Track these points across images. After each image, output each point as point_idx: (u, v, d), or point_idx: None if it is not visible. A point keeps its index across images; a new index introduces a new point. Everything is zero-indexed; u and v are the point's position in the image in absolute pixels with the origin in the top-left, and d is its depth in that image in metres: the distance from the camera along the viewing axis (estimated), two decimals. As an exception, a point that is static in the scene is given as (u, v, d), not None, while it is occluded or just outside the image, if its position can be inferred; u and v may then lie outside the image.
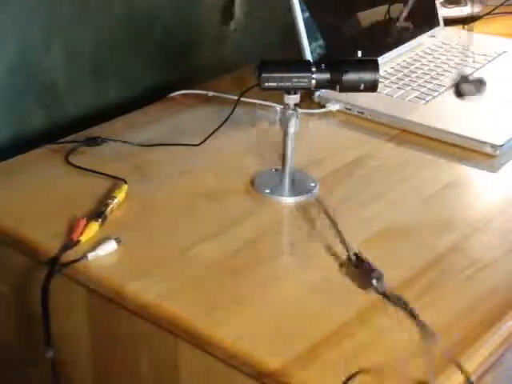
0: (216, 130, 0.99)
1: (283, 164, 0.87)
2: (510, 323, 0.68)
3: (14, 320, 0.88)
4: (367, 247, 0.77)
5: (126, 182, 0.86)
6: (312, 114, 1.08)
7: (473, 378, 0.63)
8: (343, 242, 0.77)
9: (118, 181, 0.87)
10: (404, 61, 1.23)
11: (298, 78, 0.82)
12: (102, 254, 0.75)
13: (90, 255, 0.75)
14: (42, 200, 0.86)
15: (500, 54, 1.29)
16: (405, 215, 0.84)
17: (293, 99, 0.84)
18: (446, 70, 1.21)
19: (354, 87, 0.84)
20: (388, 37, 1.26)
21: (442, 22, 1.38)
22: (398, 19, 1.27)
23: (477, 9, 1.53)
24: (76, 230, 0.77)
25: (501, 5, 1.53)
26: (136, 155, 0.96)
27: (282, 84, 0.82)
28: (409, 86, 1.15)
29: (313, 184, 0.89)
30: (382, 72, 1.14)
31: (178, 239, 0.79)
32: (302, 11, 1.08)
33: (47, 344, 0.74)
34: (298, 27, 1.08)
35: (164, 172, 0.93)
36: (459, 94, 0.24)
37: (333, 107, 1.09)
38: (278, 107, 0.85)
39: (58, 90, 1.08)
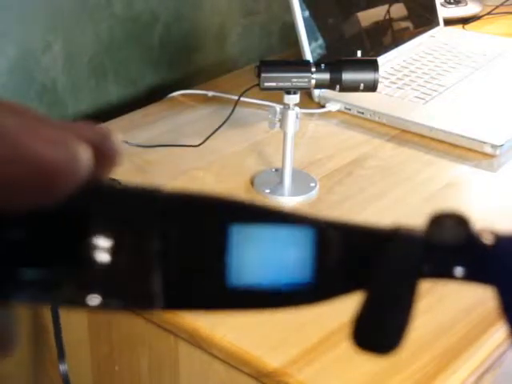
0: (216, 130, 0.99)
1: (283, 164, 0.87)
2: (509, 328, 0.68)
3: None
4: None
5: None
6: (312, 114, 1.08)
7: (473, 377, 0.63)
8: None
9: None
10: (404, 61, 1.23)
11: (297, 78, 0.82)
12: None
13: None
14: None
15: (500, 54, 1.29)
16: (405, 215, 0.84)
17: (293, 99, 0.84)
18: (446, 70, 1.21)
19: (353, 87, 0.84)
20: (388, 37, 1.26)
21: (442, 22, 1.38)
22: (397, 19, 1.27)
23: (477, 9, 1.53)
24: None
25: (501, 5, 1.53)
26: (136, 155, 0.96)
27: (281, 84, 0.82)
28: (409, 85, 1.15)
29: (313, 184, 0.89)
30: (382, 72, 1.14)
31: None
32: (302, 11, 1.08)
33: (61, 358, 0.74)
34: (298, 27, 1.08)
35: (164, 172, 0.93)
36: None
37: (333, 107, 1.09)
38: (278, 107, 0.85)
39: (58, 89, 1.08)
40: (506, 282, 0.25)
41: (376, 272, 0.25)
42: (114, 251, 0.25)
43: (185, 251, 0.26)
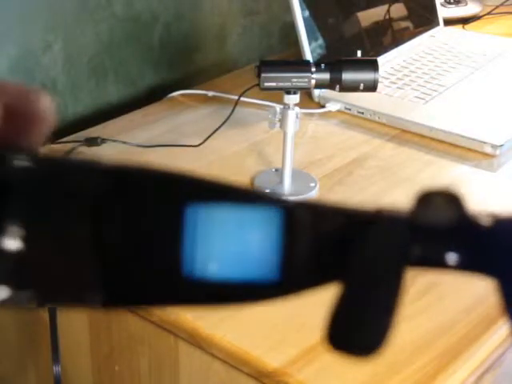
0: (216, 130, 0.99)
1: (283, 164, 0.87)
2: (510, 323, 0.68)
3: (14, 317, 0.88)
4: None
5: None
6: (312, 114, 1.08)
7: (473, 377, 0.63)
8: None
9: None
10: (404, 61, 1.23)
11: (297, 78, 0.82)
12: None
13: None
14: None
15: (500, 54, 1.29)
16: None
17: (293, 99, 0.84)
18: (446, 70, 1.21)
19: (353, 87, 0.84)
20: (388, 37, 1.26)
21: (441, 22, 1.38)
22: (397, 19, 1.27)
23: (477, 9, 1.53)
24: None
25: (501, 5, 1.53)
26: (136, 155, 0.96)
27: (281, 84, 0.82)
28: (409, 85, 1.15)
29: (313, 184, 0.89)
30: (382, 72, 1.14)
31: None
32: (302, 11, 1.08)
33: (55, 360, 0.74)
34: (298, 27, 1.08)
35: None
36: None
37: (333, 107, 1.08)
38: (278, 107, 0.85)
39: (57, 89, 1.08)
40: (506, 270, 0.21)
41: (353, 260, 0.21)
42: (31, 234, 0.20)
43: (128, 236, 0.21)
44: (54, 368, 0.76)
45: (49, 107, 0.24)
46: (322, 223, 0.22)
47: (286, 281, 0.22)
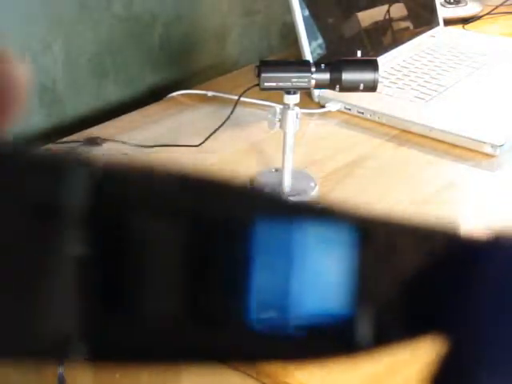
0: (216, 130, 0.99)
1: (283, 164, 0.87)
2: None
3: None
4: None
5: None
6: (312, 114, 1.08)
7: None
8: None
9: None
10: (404, 61, 1.23)
11: (297, 78, 0.82)
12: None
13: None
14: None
15: (500, 54, 1.29)
16: (404, 215, 0.84)
17: (292, 99, 0.84)
18: (446, 70, 1.21)
19: (353, 87, 0.84)
20: (388, 37, 1.26)
21: (441, 22, 1.38)
22: (397, 19, 1.27)
23: (477, 9, 1.53)
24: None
25: (501, 5, 1.53)
26: (136, 155, 0.96)
27: (281, 84, 0.82)
28: (409, 85, 1.14)
29: (313, 184, 0.89)
30: (382, 72, 1.14)
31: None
32: (302, 10, 1.08)
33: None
34: (298, 27, 1.08)
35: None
36: None
37: (333, 107, 1.08)
38: (278, 107, 0.85)
39: (57, 89, 1.08)
40: None
41: (466, 307, 0.15)
42: None
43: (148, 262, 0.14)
44: (59, 370, 0.76)
45: (22, 77, 0.16)
46: (408, 249, 0.15)
47: (361, 330, 0.16)
